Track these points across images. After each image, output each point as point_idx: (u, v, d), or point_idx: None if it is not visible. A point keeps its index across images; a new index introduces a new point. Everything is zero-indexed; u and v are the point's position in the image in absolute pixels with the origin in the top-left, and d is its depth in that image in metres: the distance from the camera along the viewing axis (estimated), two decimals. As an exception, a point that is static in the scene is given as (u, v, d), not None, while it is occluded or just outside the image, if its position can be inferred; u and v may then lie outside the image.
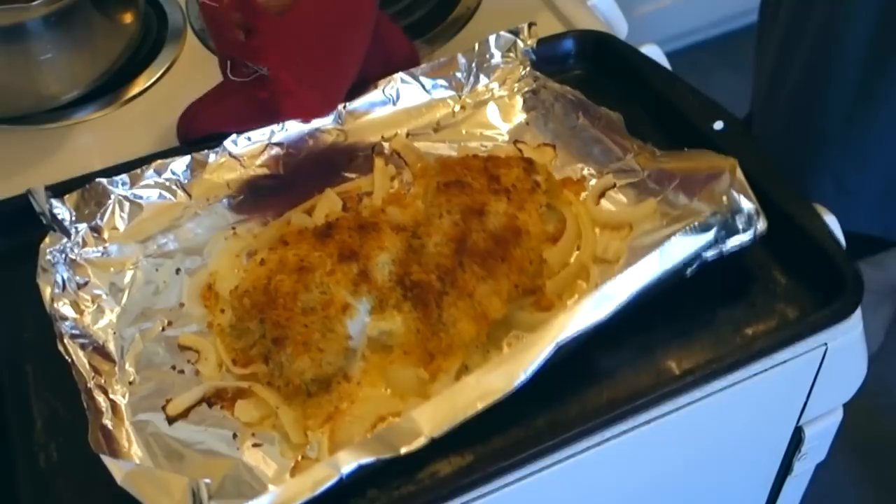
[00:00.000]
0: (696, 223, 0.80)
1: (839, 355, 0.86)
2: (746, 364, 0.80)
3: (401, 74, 1.04)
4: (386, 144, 1.01)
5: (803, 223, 0.87)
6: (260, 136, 0.99)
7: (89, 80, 1.10)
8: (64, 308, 0.85)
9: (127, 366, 0.83)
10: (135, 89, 1.13)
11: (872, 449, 2.02)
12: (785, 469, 1.01)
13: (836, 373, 0.88)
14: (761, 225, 0.82)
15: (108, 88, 1.12)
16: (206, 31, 1.21)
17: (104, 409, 0.79)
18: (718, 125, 0.96)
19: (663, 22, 2.62)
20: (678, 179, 0.89)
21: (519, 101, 1.06)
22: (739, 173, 0.84)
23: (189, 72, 1.17)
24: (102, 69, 1.11)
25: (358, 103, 1.03)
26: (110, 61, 1.11)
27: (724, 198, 0.82)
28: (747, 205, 0.82)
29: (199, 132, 1.01)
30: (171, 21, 1.23)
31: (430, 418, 0.73)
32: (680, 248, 0.80)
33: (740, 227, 0.82)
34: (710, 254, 0.81)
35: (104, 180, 0.93)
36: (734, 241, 0.82)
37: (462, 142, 1.02)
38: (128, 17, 1.14)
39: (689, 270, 0.81)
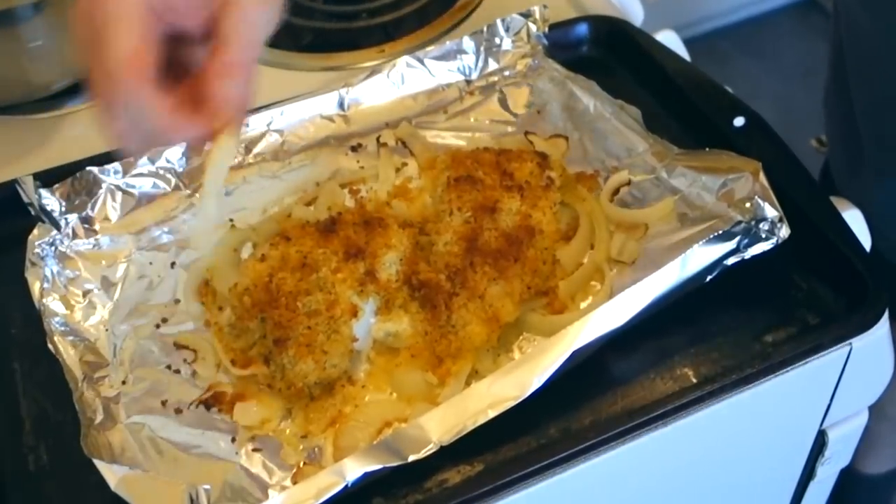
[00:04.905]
0: (720, 231, 0.81)
1: (864, 355, 0.87)
2: (766, 375, 0.81)
3: (406, 58, 1.05)
4: (391, 132, 1.02)
5: (825, 226, 0.88)
6: (259, 122, 1.00)
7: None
8: (53, 304, 0.86)
9: (120, 365, 0.84)
10: (129, 78, 1.13)
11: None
12: (808, 474, 1.02)
13: (861, 373, 0.90)
14: (784, 232, 0.83)
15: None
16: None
17: (97, 411, 0.79)
18: (739, 121, 0.96)
19: (681, 7, 2.62)
20: (697, 179, 0.90)
21: (529, 87, 1.06)
22: (762, 177, 0.85)
23: (184, 58, 1.16)
24: (96, 57, 1.11)
25: (361, 88, 1.04)
26: (104, 49, 1.11)
27: (748, 204, 0.83)
28: (771, 212, 0.83)
29: None
30: (167, 7, 1.23)
31: (439, 425, 0.74)
32: (702, 257, 0.81)
33: (763, 234, 0.83)
34: (731, 261, 0.82)
35: (95, 169, 0.93)
36: (756, 249, 0.83)
37: (470, 131, 1.03)
38: (122, 3, 1.14)
39: (709, 277, 0.82)
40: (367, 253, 0.85)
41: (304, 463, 0.77)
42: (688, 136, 1.00)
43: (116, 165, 0.94)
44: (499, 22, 1.07)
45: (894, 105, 1.09)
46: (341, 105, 1.03)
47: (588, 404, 0.80)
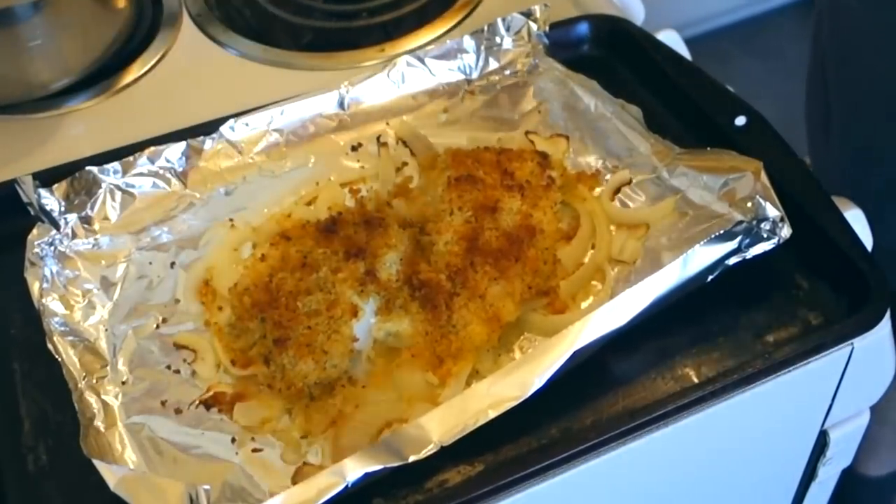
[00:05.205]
0: (721, 231, 0.81)
1: (866, 355, 0.87)
2: (768, 375, 0.81)
3: (406, 57, 1.05)
4: (391, 132, 1.02)
5: (827, 225, 0.88)
6: (259, 121, 1.00)
7: (81, 67, 1.10)
8: (53, 304, 0.86)
9: (119, 365, 0.84)
10: (128, 77, 1.13)
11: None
12: (809, 474, 1.02)
13: (863, 373, 0.90)
14: (786, 231, 0.83)
15: (100, 76, 1.13)
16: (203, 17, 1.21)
17: (96, 411, 0.79)
18: (740, 120, 0.96)
19: (682, 6, 2.61)
20: (698, 178, 0.90)
21: (530, 87, 1.06)
22: (764, 177, 0.85)
23: (185, 59, 1.17)
24: (95, 56, 1.11)
25: (361, 88, 1.04)
26: (103, 47, 1.12)
27: (750, 204, 0.83)
28: (773, 212, 0.83)
29: None
30: (166, 6, 1.23)
31: (440, 425, 0.74)
32: (703, 257, 0.81)
33: (764, 234, 0.83)
34: (732, 260, 0.82)
35: (94, 168, 0.93)
36: (757, 249, 0.83)
37: (471, 130, 1.03)
38: (121, 1, 1.15)
39: (710, 277, 0.82)
40: (367, 252, 0.85)
41: (304, 463, 0.77)
42: (689, 135, 1.00)
43: (116, 165, 0.94)
44: (499, 21, 1.07)
45: (871, 103, 1.10)
46: (341, 104, 1.03)
47: (589, 404, 0.80)
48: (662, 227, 0.89)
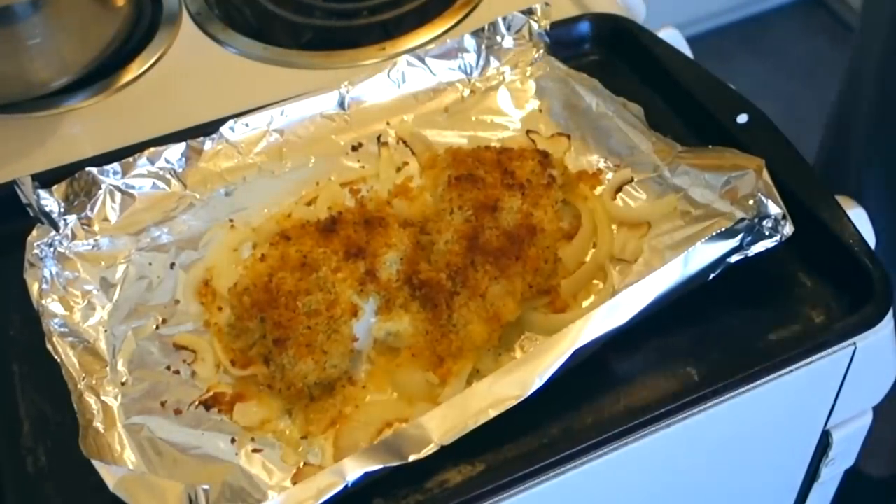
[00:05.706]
0: (723, 229, 0.81)
1: (869, 355, 0.87)
2: (770, 374, 0.81)
3: (407, 57, 1.05)
4: (391, 132, 1.02)
5: (829, 222, 0.88)
6: (259, 122, 1.00)
7: (80, 66, 1.10)
8: (52, 305, 0.86)
9: (119, 366, 0.84)
10: (128, 76, 1.14)
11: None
12: (812, 475, 1.02)
13: (866, 373, 0.89)
14: (788, 229, 0.83)
15: (99, 75, 1.13)
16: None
17: (95, 412, 0.80)
18: (742, 118, 0.96)
19: (683, 4, 2.62)
20: (700, 177, 0.90)
21: (531, 86, 1.06)
22: (766, 175, 0.84)
23: (184, 58, 1.17)
24: (94, 55, 1.11)
25: (362, 87, 1.04)
26: (102, 46, 1.12)
27: (752, 201, 0.83)
28: (775, 210, 0.82)
29: None
30: (165, 4, 1.24)
31: (440, 425, 0.74)
32: (704, 255, 0.81)
33: (766, 232, 0.83)
34: (734, 258, 0.82)
35: (94, 169, 0.93)
36: (759, 247, 0.83)
37: (472, 129, 1.03)
38: (120, 0, 1.14)
39: (712, 275, 0.82)
40: (367, 252, 0.85)
41: (305, 463, 0.77)
42: (691, 133, 1.00)
43: (115, 166, 0.94)
44: (500, 20, 1.07)
45: None
46: (342, 104, 1.03)
47: (590, 404, 0.80)
48: (664, 226, 0.89)
